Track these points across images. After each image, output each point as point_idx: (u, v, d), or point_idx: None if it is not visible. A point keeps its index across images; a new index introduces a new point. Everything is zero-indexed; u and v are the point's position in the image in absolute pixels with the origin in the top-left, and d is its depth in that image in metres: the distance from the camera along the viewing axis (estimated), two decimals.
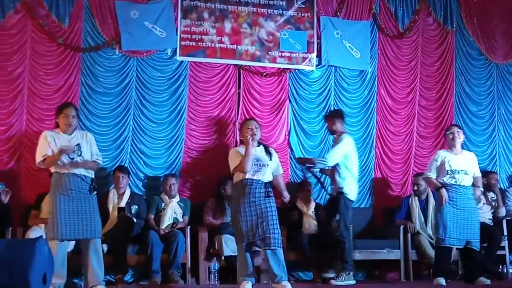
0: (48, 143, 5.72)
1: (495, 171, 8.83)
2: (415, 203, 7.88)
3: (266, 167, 6.04)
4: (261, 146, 6.19)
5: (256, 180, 5.97)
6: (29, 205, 6.99)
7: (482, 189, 6.93)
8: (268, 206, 5.93)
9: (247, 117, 8.02)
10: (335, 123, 7.15)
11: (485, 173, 8.22)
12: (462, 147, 7.05)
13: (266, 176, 6.04)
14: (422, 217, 7.77)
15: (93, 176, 5.88)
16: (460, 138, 6.82)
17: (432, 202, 7.79)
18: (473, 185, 6.77)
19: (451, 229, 6.55)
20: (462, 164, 6.70)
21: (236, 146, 7.91)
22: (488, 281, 6.53)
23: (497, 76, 9.19)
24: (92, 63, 7.67)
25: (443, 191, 6.62)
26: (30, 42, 7.47)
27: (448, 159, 6.72)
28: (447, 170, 6.68)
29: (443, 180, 6.69)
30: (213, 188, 7.64)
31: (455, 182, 6.64)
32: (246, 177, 5.97)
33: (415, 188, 7.92)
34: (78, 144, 5.78)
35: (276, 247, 5.87)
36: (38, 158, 5.73)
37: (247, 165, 5.93)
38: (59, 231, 5.51)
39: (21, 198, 7.21)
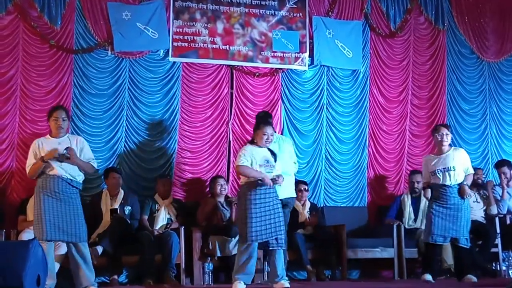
0: (35, 154, 5.72)
1: (487, 168, 8.91)
2: (407, 200, 7.98)
3: (274, 168, 6.09)
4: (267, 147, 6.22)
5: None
6: (17, 211, 6.98)
7: (468, 184, 6.85)
8: (279, 206, 6.02)
9: (240, 117, 8.06)
10: None
11: None
12: (452, 145, 7.04)
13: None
14: (413, 215, 7.89)
15: (80, 181, 5.84)
16: (448, 140, 6.76)
17: (423, 200, 7.86)
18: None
19: (436, 227, 6.57)
20: (447, 162, 6.66)
21: (229, 145, 7.96)
22: (475, 279, 6.55)
23: (488, 74, 9.23)
24: (84, 65, 7.66)
25: (427, 191, 6.73)
26: (22, 44, 7.44)
27: (432, 161, 6.71)
28: (431, 171, 6.69)
29: (430, 181, 6.72)
30: (206, 188, 7.73)
31: (440, 181, 6.63)
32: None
33: (414, 185, 7.98)
34: (68, 147, 5.73)
35: (285, 247, 6.05)
36: (28, 166, 5.76)
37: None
38: (45, 231, 5.48)
39: (14, 200, 7.18)
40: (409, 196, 8.01)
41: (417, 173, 7.96)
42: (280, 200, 6.37)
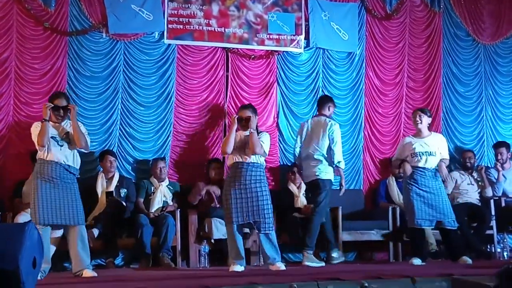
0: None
1: (482, 151, 8.96)
2: (393, 183, 8.08)
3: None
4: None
5: (247, 162, 6.01)
6: (13, 193, 6.98)
7: (446, 163, 6.88)
8: (260, 190, 5.98)
9: (236, 100, 8.04)
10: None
11: (461, 152, 8.51)
12: (432, 129, 7.14)
13: (256, 158, 6.07)
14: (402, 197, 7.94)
15: (77, 167, 5.79)
16: (422, 122, 6.85)
17: None
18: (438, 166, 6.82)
19: (418, 211, 6.63)
20: (426, 146, 6.76)
21: (224, 128, 7.95)
22: (470, 261, 6.60)
23: (484, 57, 9.22)
24: (79, 47, 7.60)
25: (405, 165, 6.75)
26: (16, 26, 7.38)
27: (413, 143, 6.81)
28: (411, 153, 6.78)
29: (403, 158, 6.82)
30: (201, 171, 7.70)
31: (420, 164, 6.71)
32: (238, 160, 6.02)
33: (400, 171, 8.04)
34: (67, 132, 5.73)
35: (269, 231, 5.97)
36: (35, 140, 5.62)
37: (227, 146, 6.06)
38: (40, 216, 5.47)
39: (9, 182, 7.15)
40: (394, 180, 8.11)
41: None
42: (306, 182, 6.82)
